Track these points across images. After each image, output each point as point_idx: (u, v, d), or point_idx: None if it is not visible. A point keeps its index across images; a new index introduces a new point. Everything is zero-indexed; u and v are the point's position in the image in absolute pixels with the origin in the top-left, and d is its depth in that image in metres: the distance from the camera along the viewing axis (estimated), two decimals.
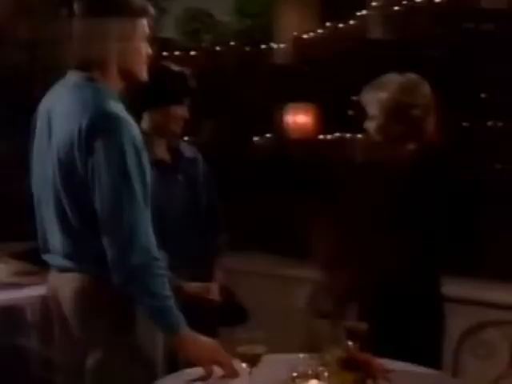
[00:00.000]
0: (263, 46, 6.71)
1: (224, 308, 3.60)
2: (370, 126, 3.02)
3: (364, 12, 5.98)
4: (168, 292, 2.41)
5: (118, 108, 2.42)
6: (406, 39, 5.65)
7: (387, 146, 3.03)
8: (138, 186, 2.41)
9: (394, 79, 3.02)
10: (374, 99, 3.00)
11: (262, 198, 5.73)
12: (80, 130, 2.37)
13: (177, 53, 7.26)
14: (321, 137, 5.65)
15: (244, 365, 2.28)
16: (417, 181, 3.03)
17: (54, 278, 2.57)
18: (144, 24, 2.53)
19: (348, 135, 5.51)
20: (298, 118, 5.79)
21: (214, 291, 3.56)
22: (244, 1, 8.64)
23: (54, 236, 2.53)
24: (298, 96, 5.96)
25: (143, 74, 2.56)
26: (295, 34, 6.46)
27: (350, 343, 2.60)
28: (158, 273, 2.41)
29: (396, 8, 5.76)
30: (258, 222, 5.70)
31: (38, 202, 2.60)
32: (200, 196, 3.62)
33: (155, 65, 3.77)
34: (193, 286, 3.48)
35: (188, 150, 3.65)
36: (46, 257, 2.60)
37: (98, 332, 2.47)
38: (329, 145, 5.63)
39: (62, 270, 2.53)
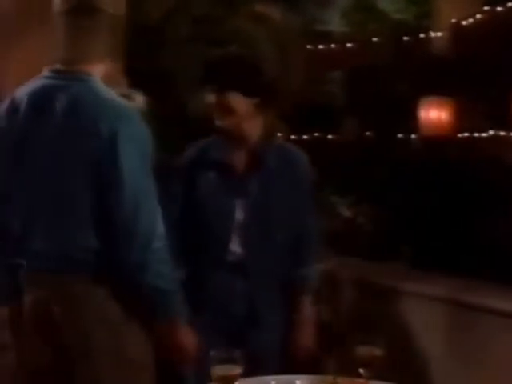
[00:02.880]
0: (422, 35, 6.27)
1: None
2: None
3: None
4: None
5: None
6: None
7: None
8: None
9: None
10: None
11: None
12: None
13: (332, 46, 7.00)
14: (475, 135, 5.14)
15: None
16: None
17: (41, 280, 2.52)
18: None
19: (503, 133, 5.00)
20: (450, 114, 5.33)
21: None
22: None
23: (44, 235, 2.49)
24: (452, 90, 5.49)
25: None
26: (454, 20, 5.94)
27: (362, 370, 2.43)
28: (168, 257, 2.54)
29: None
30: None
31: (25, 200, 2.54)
32: (279, 216, 3.22)
33: None
34: None
35: (275, 157, 3.25)
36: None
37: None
38: (484, 144, 5.13)
39: (55, 271, 2.50)
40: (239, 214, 3.15)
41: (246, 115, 3.17)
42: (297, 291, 3.24)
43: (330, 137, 6.17)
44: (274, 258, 3.17)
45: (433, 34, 6.21)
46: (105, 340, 2.49)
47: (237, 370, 2.28)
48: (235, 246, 3.15)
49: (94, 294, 2.50)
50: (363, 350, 2.46)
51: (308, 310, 3.24)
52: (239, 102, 3.15)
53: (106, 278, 2.50)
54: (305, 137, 6.21)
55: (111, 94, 2.57)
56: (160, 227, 2.51)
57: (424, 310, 4.27)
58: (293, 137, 6.47)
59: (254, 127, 3.20)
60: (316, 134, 6.27)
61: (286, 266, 3.22)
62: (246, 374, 2.41)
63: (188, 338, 2.67)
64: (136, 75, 6.08)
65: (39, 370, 2.56)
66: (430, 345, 4.21)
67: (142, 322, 2.58)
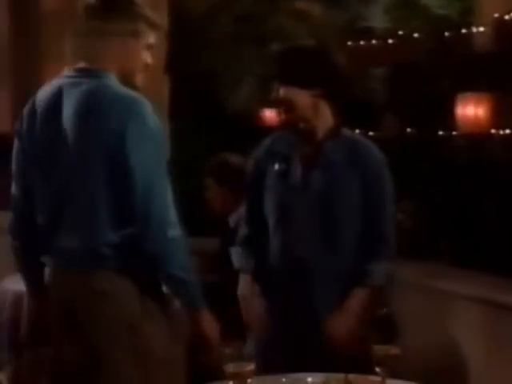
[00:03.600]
0: (463, 31, 6.21)
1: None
2: None
3: None
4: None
5: None
6: None
7: None
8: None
9: None
10: None
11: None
12: None
13: (374, 42, 6.98)
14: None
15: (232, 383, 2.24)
16: None
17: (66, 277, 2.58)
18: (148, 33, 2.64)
19: None
20: (488, 110, 5.26)
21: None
22: None
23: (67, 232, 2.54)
24: (492, 86, 5.42)
25: (139, 82, 2.65)
26: (496, 15, 5.88)
27: (378, 369, 2.37)
28: (186, 247, 2.56)
29: None
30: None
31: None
32: (343, 210, 3.13)
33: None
34: None
35: (339, 150, 3.22)
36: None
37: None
38: None
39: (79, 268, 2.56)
40: (301, 209, 3.11)
41: (307, 108, 3.13)
42: (354, 283, 3.14)
43: (370, 133, 6.14)
44: (336, 255, 3.09)
45: (475, 30, 6.14)
46: (125, 337, 2.51)
47: (250, 366, 2.27)
48: (295, 243, 3.16)
49: (115, 290, 2.53)
50: (380, 349, 2.43)
51: (355, 301, 3.10)
52: (299, 96, 3.10)
53: (127, 273, 2.53)
54: None
55: (123, 89, 2.59)
56: (173, 215, 2.54)
57: (463, 310, 4.24)
58: None
59: (319, 120, 3.15)
60: (357, 131, 6.24)
61: (351, 262, 3.10)
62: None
63: (211, 326, 2.66)
64: (178, 74, 6.14)
65: (65, 368, 2.59)
66: (467, 344, 4.17)
67: (164, 318, 2.59)
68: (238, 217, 4.27)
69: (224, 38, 6.80)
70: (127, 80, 2.63)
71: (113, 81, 2.59)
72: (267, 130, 6.59)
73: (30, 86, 2.88)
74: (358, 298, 3.08)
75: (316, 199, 3.11)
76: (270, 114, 6.66)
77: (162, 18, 3.31)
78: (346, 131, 3.22)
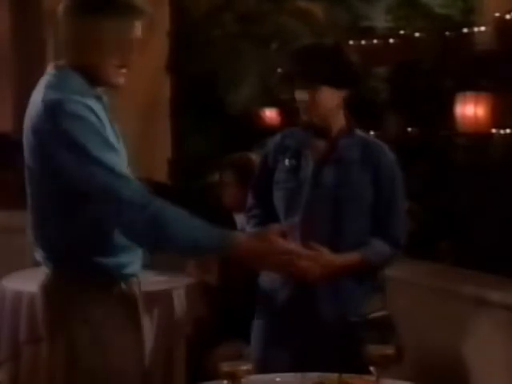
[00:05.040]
0: (465, 30, 6.21)
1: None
2: None
3: None
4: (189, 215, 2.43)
5: None
6: None
7: None
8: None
9: None
10: None
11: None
12: None
13: (376, 41, 6.98)
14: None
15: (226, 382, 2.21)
16: None
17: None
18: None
19: None
20: (489, 110, 5.26)
21: None
22: None
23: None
24: (493, 85, 5.42)
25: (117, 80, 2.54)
26: (497, 14, 5.88)
27: (373, 369, 2.33)
28: (165, 205, 2.43)
29: None
30: None
31: None
32: (354, 207, 3.10)
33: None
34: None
35: (352, 148, 3.22)
36: None
37: None
38: None
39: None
40: (311, 204, 3.08)
41: (332, 107, 3.09)
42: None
43: (372, 132, 6.14)
44: (344, 251, 3.05)
45: (476, 29, 6.14)
46: (88, 344, 2.54)
47: (245, 366, 2.24)
48: (304, 237, 3.14)
49: (79, 295, 2.56)
50: (374, 349, 2.42)
51: (344, 258, 3.04)
52: (331, 96, 3.07)
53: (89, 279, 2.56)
54: None
55: (59, 87, 2.51)
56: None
57: (463, 310, 4.23)
58: None
59: (336, 120, 3.13)
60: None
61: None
62: None
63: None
64: (179, 73, 6.15)
65: None
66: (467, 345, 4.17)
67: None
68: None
69: (226, 38, 6.81)
70: (97, 76, 2.55)
71: (63, 77, 2.54)
72: (268, 129, 6.61)
73: (32, 85, 2.88)
74: (347, 257, 3.05)
75: (327, 194, 3.10)
76: (270, 114, 6.68)
77: (163, 18, 3.30)
78: (358, 131, 3.24)
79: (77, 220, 2.48)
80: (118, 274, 2.66)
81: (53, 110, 2.46)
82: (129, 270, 2.71)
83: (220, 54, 6.68)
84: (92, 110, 2.45)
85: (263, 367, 2.72)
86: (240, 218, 4.50)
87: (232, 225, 4.55)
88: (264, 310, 3.25)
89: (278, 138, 3.32)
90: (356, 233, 3.15)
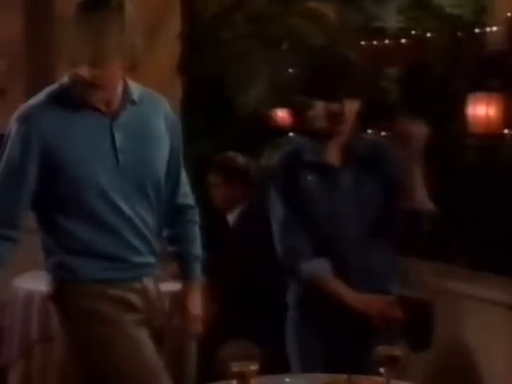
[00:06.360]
0: (476, 31, 6.19)
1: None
2: None
3: None
4: None
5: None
6: None
7: None
8: None
9: None
10: None
11: None
12: None
13: (388, 42, 6.95)
14: None
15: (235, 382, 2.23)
16: None
17: None
18: None
19: None
20: (500, 110, 5.25)
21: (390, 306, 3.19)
22: None
23: None
24: (505, 85, 5.40)
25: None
26: (509, 14, 5.86)
27: (382, 370, 2.40)
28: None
29: None
30: None
31: None
32: (376, 209, 3.26)
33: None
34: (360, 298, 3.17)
35: (366, 149, 3.28)
36: None
37: None
38: None
39: None
40: (339, 209, 3.19)
41: (353, 117, 3.20)
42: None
43: (382, 133, 6.13)
44: (375, 252, 3.22)
45: (488, 29, 6.12)
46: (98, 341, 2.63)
47: (253, 366, 2.26)
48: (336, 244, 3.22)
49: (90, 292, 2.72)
50: (384, 350, 2.44)
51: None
52: (353, 107, 3.17)
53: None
54: None
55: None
56: None
57: (476, 311, 4.21)
58: None
59: (347, 125, 3.23)
60: (369, 131, 6.24)
61: (382, 260, 3.26)
62: None
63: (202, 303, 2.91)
64: (190, 73, 6.16)
65: None
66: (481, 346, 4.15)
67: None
68: (236, 215, 4.43)
69: (236, 39, 6.80)
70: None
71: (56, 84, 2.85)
72: (279, 130, 6.60)
73: (43, 86, 2.95)
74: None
75: (350, 197, 3.22)
76: (282, 114, 6.67)
77: (174, 20, 3.32)
78: (367, 134, 3.32)
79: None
80: (134, 273, 2.72)
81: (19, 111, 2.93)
82: (144, 271, 2.76)
83: (230, 55, 6.68)
84: None
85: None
86: (232, 218, 4.58)
87: (225, 225, 4.61)
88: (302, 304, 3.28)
89: (292, 151, 3.34)
90: (377, 234, 3.21)
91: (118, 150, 2.79)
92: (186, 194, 3.07)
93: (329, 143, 3.25)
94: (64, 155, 2.71)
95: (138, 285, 2.78)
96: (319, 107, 3.20)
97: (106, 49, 2.58)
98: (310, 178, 3.24)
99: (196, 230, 3.06)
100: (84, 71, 2.62)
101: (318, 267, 3.21)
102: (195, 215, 3.08)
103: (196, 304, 2.97)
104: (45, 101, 2.78)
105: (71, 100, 2.75)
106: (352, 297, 3.12)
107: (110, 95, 2.76)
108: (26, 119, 2.73)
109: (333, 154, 3.26)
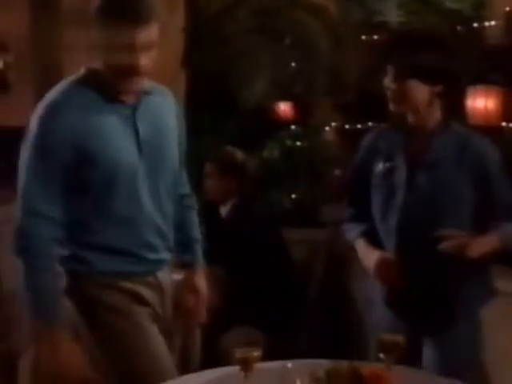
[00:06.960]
0: (475, 25, 6.22)
1: None
2: None
3: None
4: None
5: None
6: None
7: None
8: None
9: None
10: None
11: None
12: None
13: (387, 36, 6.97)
14: None
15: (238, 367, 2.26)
16: None
17: None
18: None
19: None
20: (499, 104, 5.28)
21: None
22: None
23: None
24: (504, 79, 5.44)
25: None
26: (508, 9, 5.90)
27: (382, 356, 2.41)
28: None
29: None
30: None
31: None
32: (450, 206, 3.08)
33: None
34: None
35: (447, 148, 3.13)
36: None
37: None
38: None
39: None
40: (408, 208, 3.07)
41: (425, 102, 3.07)
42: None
43: (383, 125, 6.16)
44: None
45: (487, 24, 6.15)
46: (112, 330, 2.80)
47: (256, 352, 2.29)
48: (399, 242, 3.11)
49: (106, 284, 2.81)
50: (385, 336, 2.46)
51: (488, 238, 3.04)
52: (420, 91, 3.04)
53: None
54: (359, 126, 6.23)
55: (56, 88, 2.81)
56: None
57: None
58: (347, 126, 6.53)
59: (431, 113, 3.12)
60: (370, 124, 6.28)
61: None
62: None
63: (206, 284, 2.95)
64: (194, 68, 6.22)
65: None
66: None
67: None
68: (229, 207, 4.54)
69: (240, 33, 6.85)
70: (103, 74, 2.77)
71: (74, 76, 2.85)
72: (283, 123, 6.67)
73: (52, 82, 2.99)
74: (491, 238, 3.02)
75: (422, 198, 3.07)
76: (285, 108, 6.72)
77: (178, 15, 3.37)
78: (456, 126, 3.19)
79: None
80: (148, 268, 2.77)
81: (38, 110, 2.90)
82: (158, 266, 2.82)
83: (234, 49, 6.73)
84: None
85: None
86: (224, 211, 4.68)
87: (218, 218, 4.71)
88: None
89: (370, 139, 3.25)
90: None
91: (141, 141, 2.80)
92: (185, 184, 3.14)
93: (409, 135, 3.15)
94: (93, 149, 2.71)
95: (151, 279, 2.81)
96: (386, 82, 3.10)
97: (150, 5, 2.79)
98: (381, 168, 3.17)
99: (195, 215, 3.12)
100: (120, 58, 2.69)
101: (354, 232, 3.26)
102: (193, 202, 3.14)
103: (203, 287, 2.99)
104: (66, 94, 2.75)
105: (94, 92, 2.76)
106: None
107: (139, 83, 2.80)
108: (52, 115, 2.72)
109: (411, 150, 3.13)
